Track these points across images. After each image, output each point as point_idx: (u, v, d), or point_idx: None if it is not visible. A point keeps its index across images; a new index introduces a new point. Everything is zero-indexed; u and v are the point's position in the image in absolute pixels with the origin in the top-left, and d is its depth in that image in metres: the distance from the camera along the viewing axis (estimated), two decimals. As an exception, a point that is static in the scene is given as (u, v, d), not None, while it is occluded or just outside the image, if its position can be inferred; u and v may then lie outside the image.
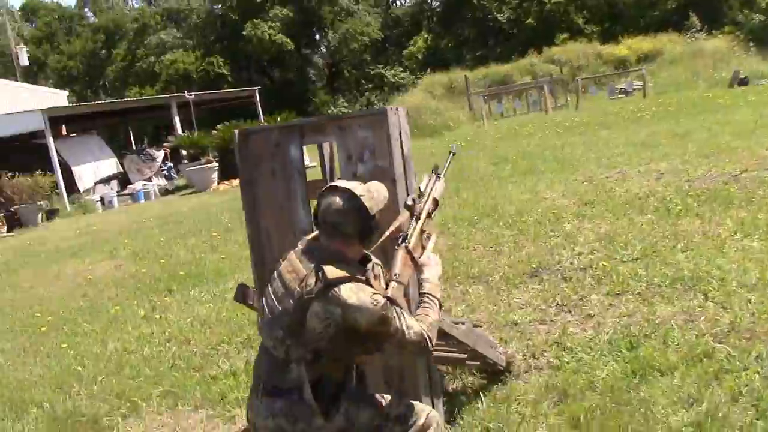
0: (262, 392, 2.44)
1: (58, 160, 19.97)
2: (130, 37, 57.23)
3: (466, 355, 3.68)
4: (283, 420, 2.40)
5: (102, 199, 20.68)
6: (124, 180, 23.19)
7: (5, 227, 17.55)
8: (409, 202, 2.73)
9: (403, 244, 2.59)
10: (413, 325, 2.44)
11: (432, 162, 3.26)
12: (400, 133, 3.20)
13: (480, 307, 5.14)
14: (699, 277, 4.91)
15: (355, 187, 2.49)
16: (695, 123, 14.12)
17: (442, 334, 3.35)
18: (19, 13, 63.39)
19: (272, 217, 3.46)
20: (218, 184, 20.85)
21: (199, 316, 6.17)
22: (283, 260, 2.54)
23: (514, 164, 12.36)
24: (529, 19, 50.01)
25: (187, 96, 24.15)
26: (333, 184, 2.54)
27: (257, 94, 29.39)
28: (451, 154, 3.17)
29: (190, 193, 20.40)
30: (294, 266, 2.45)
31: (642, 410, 3.26)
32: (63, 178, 20.07)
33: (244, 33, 50.18)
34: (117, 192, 21.57)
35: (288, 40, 51.17)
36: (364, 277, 2.40)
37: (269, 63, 55.62)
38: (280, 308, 2.42)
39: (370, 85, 57.58)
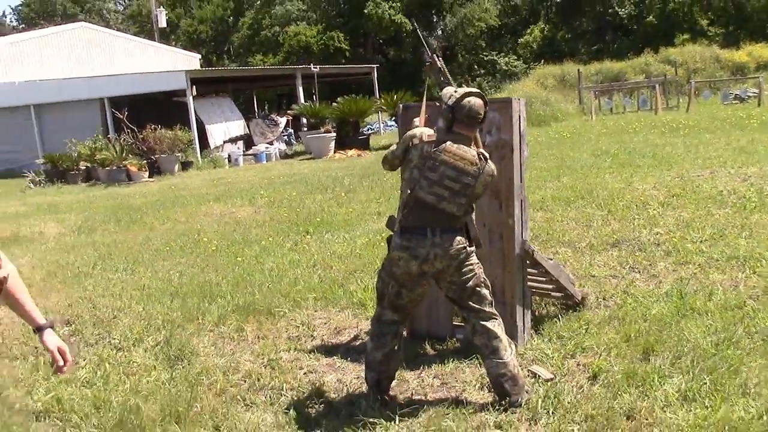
0: (441, 230, 3.72)
1: (195, 118, 22.04)
2: (257, 6, 59.93)
3: (552, 286, 4.95)
4: (457, 246, 3.72)
5: (229, 157, 22.67)
6: (248, 141, 25.16)
7: (147, 173, 19.70)
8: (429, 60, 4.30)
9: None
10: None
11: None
12: (520, 117, 4.48)
13: (566, 263, 6.36)
14: (752, 257, 5.98)
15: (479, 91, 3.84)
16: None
17: (534, 263, 4.64)
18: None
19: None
20: (334, 152, 22.46)
21: (336, 252, 7.64)
22: (439, 152, 3.74)
23: (614, 157, 13.30)
24: (651, 17, 49.52)
25: (313, 68, 25.89)
26: (468, 90, 3.81)
27: (375, 72, 30.90)
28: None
29: (309, 159, 22.11)
30: (461, 155, 3.72)
31: (677, 334, 4.45)
32: (197, 135, 22.14)
33: (366, 11, 51.83)
34: (243, 152, 23.52)
35: (407, 20, 52.49)
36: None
37: (386, 41, 57.20)
38: (459, 183, 3.69)
39: (482, 71, 58.34)
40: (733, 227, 7.07)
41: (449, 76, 4.13)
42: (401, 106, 4.85)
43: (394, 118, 25.23)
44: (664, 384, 3.83)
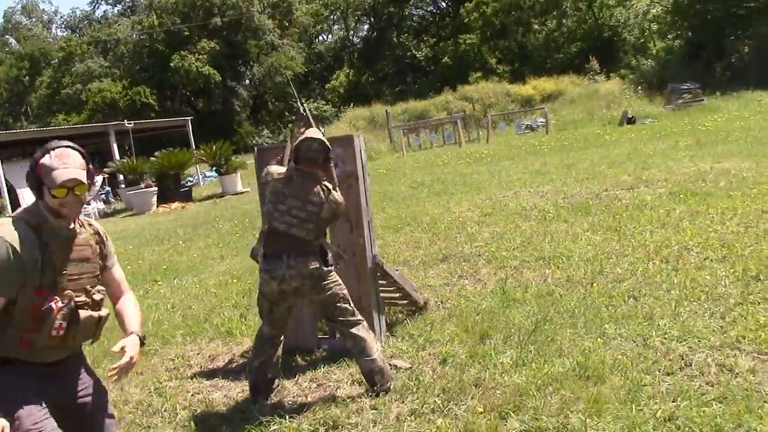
0: (295, 255, 4.28)
1: (5, 183, 21.17)
2: (55, 64, 57.75)
3: (399, 294, 5.76)
4: (310, 267, 4.27)
5: (46, 220, 21.91)
6: (63, 203, 24.38)
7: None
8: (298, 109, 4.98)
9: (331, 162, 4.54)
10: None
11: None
12: (360, 151, 5.29)
13: (405, 278, 7.22)
14: (555, 256, 7.15)
15: (322, 136, 4.43)
16: (582, 155, 16.74)
17: (384, 274, 5.43)
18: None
19: (277, 203, 5.47)
20: (157, 206, 22.35)
21: (190, 293, 8.06)
22: (285, 187, 4.36)
23: (429, 187, 14.60)
24: (446, 58, 53.15)
25: (127, 124, 25.66)
26: (308, 135, 4.41)
27: (189, 124, 30.99)
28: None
29: (131, 215, 21.85)
30: (304, 187, 4.33)
31: (504, 320, 5.40)
32: (9, 199, 21.26)
33: (171, 64, 51.55)
34: (59, 213, 22.79)
35: (214, 71, 52.78)
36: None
37: (195, 94, 57.05)
38: (305, 212, 4.28)
39: (293, 117, 59.60)
40: (538, 235, 8.30)
41: (312, 122, 4.84)
42: (257, 149, 5.50)
43: (214, 168, 25.47)
44: (500, 357, 4.72)
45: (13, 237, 2.75)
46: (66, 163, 2.85)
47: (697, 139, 16.60)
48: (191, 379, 5.33)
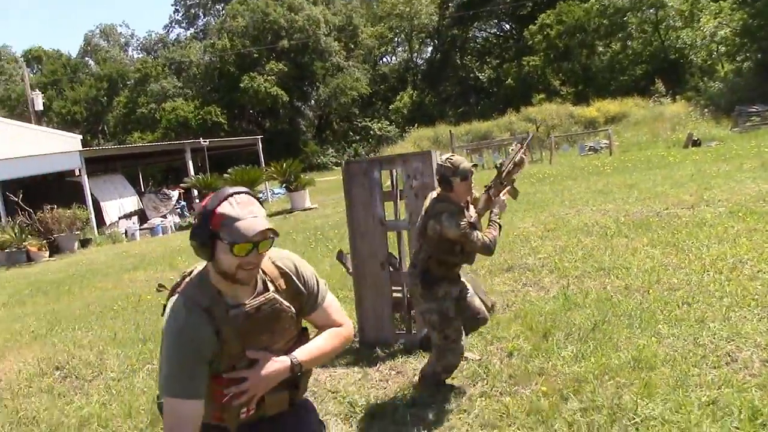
0: (410, 266, 4.74)
1: (90, 196, 22.50)
2: (131, 85, 60.30)
3: (468, 296, 6.32)
4: (412, 280, 4.67)
5: (126, 232, 23.16)
6: (142, 216, 25.69)
7: (47, 253, 19.96)
8: (497, 163, 4.97)
9: (488, 191, 4.74)
10: (482, 238, 4.50)
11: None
12: (436, 164, 5.90)
13: (472, 285, 7.78)
14: (615, 267, 7.62)
15: (443, 161, 4.61)
16: (645, 176, 17.01)
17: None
18: (23, 59, 66.36)
19: (361, 210, 6.12)
20: (230, 220, 23.36)
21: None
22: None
23: (494, 205, 15.09)
24: (509, 80, 53.55)
25: (202, 142, 26.89)
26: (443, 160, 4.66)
27: (259, 143, 32.16)
28: (530, 134, 6.02)
29: (205, 229, 22.88)
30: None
31: (566, 321, 5.92)
32: (93, 212, 22.57)
33: (241, 85, 53.32)
34: (138, 226, 24.05)
35: (282, 92, 54.31)
36: (457, 209, 4.51)
37: (262, 113, 58.76)
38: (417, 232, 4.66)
39: (357, 137, 60.80)
40: (599, 249, 8.76)
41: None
42: (344, 161, 6.16)
43: (284, 185, 26.41)
44: (561, 352, 5.25)
45: (194, 328, 2.37)
46: (253, 212, 2.40)
47: (762, 162, 16.69)
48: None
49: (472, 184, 4.66)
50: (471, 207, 4.75)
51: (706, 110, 34.63)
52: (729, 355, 4.83)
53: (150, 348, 6.90)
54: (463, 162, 4.59)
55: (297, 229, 16.71)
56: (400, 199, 6.13)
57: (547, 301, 6.72)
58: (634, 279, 7.05)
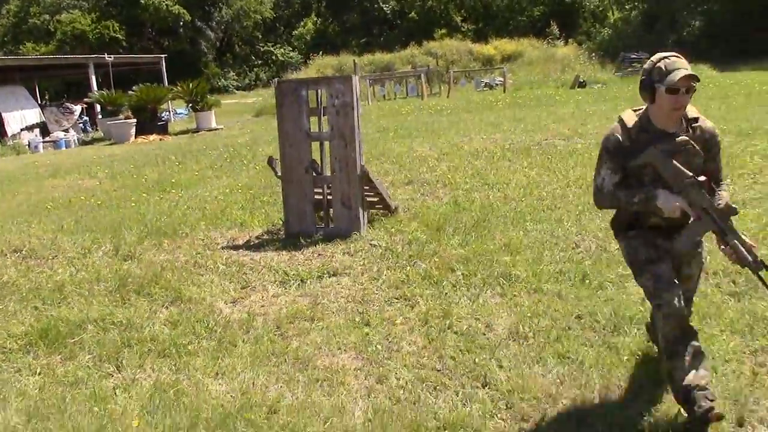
0: None
1: (-9, 107, 22.37)
2: (23, -7, 57.58)
3: (377, 199, 7.64)
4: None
5: (29, 144, 23.20)
6: (43, 129, 25.61)
7: (-50, 160, 19.95)
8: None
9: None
10: (600, 175, 3.64)
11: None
12: (355, 86, 7.10)
13: (378, 194, 9.11)
14: (497, 183, 9.11)
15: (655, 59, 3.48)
16: (532, 112, 18.73)
17: (368, 181, 7.29)
18: None
19: (290, 123, 7.27)
20: (135, 137, 23.77)
21: (201, 199, 9.82)
22: None
23: (394, 132, 16.40)
24: (412, 13, 54.52)
25: (107, 58, 26.83)
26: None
27: (163, 62, 32.13)
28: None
29: (110, 144, 23.25)
30: None
31: (455, 219, 7.34)
32: (-7, 122, 22.49)
33: (142, 0, 51.98)
34: (41, 139, 24.06)
35: (183, 11, 53.33)
36: (630, 123, 3.56)
37: (162, 32, 57.49)
38: None
39: (259, 62, 60.59)
40: (485, 169, 10.24)
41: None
42: (277, 80, 7.27)
43: (190, 105, 26.83)
44: (450, 240, 6.66)
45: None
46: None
47: (632, 103, 18.63)
48: (222, 250, 7.16)
49: (686, 103, 3.42)
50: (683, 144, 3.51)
51: (593, 54, 36.93)
52: (575, 243, 6.37)
53: (98, 236, 7.88)
54: (681, 68, 3.32)
55: (209, 146, 17.53)
56: (324, 115, 7.30)
57: (440, 206, 8.13)
58: (512, 191, 8.56)
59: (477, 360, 4.33)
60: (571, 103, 20.89)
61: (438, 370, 4.28)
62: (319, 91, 7.35)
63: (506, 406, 3.79)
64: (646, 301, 3.81)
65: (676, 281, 3.50)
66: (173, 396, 4.12)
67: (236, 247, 7.23)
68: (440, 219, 7.44)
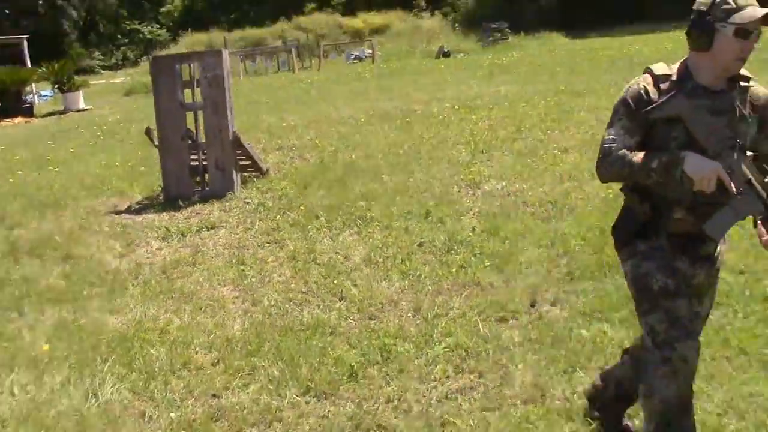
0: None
1: None
2: None
3: (249, 162, 8.38)
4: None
5: None
6: None
7: None
8: None
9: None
10: (611, 135, 2.64)
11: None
12: (226, 59, 7.79)
13: (251, 160, 9.83)
14: (360, 144, 10.02)
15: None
16: (398, 81, 19.77)
17: (239, 145, 8.02)
18: None
19: (166, 95, 7.88)
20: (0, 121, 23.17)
21: (79, 172, 10.22)
22: None
23: (266, 104, 17.06)
24: (281, -12, 54.39)
25: (-37, 40, 25.82)
26: None
27: (25, 43, 31.10)
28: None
29: (-26, 129, 22.61)
30: None
31: (321, 177, 8.19)
32: None
33: (-6, -21, 49.45)
34: None
35: (41, -10, 51.14)
36: (661, 74, 2.67)
37: (20, 11, 54.88)
38: None
39: (126, 40, 58.93)
40: (350, 134, 11.12)
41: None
42: (152, 57, 7.85)
43: (57, 86, 26.29)
44: (316, 194, 7.52)
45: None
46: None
47: (490, 71, 20.07)
48: (105, 216, 7.73)
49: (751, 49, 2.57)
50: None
51: (457, 25, 38.48)
52: (424, 189, 7.37)
53: None
54: (754, 4, 2.55)
55: (80, 126, 17.57)
56: (197, 87, 7.96)
57: (307, 166, 8.98)
58: (372, 151, 9.50)
59: (335, 282, 5.23)
60: (434, 73, 22.09)
61: (303, 292, 5.15)
62: (192, 65, 8.00)
63: (357, 310, 4.71)
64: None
65: (696, 327, 2.72)
66: (75, 329, 4.80)
67: (119, 212, 7.81)
68: (307, 177, 8.28)
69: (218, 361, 4.17)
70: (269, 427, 3.47)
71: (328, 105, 15.37)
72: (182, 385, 3.91)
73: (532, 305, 4.52)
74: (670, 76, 2.66)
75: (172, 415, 3.60)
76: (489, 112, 11.71)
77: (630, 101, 2.64)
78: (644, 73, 2.73)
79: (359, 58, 33.63)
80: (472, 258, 5.34)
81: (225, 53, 7.83)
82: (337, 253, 5.86)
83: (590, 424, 3.18)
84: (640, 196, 2.71)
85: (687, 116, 2.55)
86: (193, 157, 8.18)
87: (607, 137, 2.65)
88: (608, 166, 2.63)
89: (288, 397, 3.69)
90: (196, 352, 4.28)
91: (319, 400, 3.67)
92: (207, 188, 8.11)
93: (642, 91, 2.63)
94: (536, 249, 5.46)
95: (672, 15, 34.16)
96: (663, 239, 2.70)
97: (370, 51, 32.76)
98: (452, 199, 6.90)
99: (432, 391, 3.64)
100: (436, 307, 4.59)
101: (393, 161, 8.76)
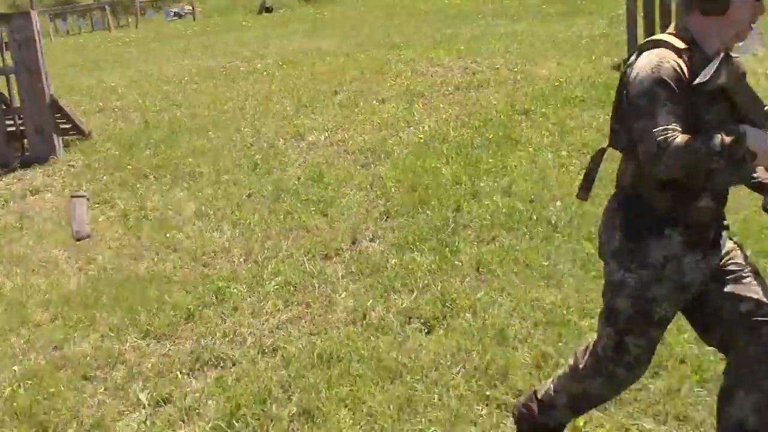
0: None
1: None
2: None
3: (70, 125, 8.25)
4: (602, 226, 2.46)
5: None
6: None
7: None
8: None
9: None
10: (659, 125, 2.13)
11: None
12: (36, 22, 7.59)
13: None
14: (186, 103, 10.06)
15: None
16: (221, 38, 19.55)
17: (58, 109, 7.88)
18: None
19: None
20: None
21: None
22: None
23: (83, 66, 16.43)
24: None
25: None
26: None
27: None
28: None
29: None
30: None
31: (146, 137, 8.22)
32: None
33: None
34: None
35: None
36: (679, 46, 2.25)
37: None
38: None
39: None
40: (174, 93, 11.08)
41: None
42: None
43: None
44: (141, 153, 7.57)
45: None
46: None
47: (312, 25, 20.32)
48: None
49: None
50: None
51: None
52: (250, 144, 7.64)
53: None
54: None
55: None
56: (6, 50, 7.70)
57: (132, 127, 8.95)
58: (198, 109, 9.59)
59: (168, 235, 5.44)
60: (258, 28, 22.01)
61: (137, 248, 5.32)
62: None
63: (191, 260, 4.98)
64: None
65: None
66: None
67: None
68: (132, 138, 8.29)
69: (56, 316, 4.30)
70: (113, 368, 3.71)
71: (149, 64, 15.07)
72: (22, 341, 4.04)
73: (353, 242, 4.98)
74: (684, 47, 2.27)
75: (15, 368, 3.75)
76: (312, 66, 12.03)
77: (670, 82, 2.17)
78: (655, 47, 2.28)
79: (179, 15, 32.65)
80: (299, 204, 5.71)
81: (34, 14, 7.62)
82: (168, 208, 6.04)
83: (399, 335, 3.70)
84: (659, 183, 2.27)
85: (734, 85, 2.22)
86: (9, 122, 7.94)
87: (655, 129, 2.12)
88: (670, 161, 2.11)
89: (129, 342, 3.94)
90: (33, 311, 4.39)
91: (159, 341, 3.94)
92: (27, 154, 7.92)
93: (677, 68, 2.20)
94: (357, 192, 5.93)
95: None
96: (677, 234, 2.31)
97: (191, 7, 31.88)
98: (278, 151, 7.23)
99: (264, 324, 4.01)
100: (265, 251, 4.94)
101: (219, 118, 8.93)
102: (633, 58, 2.33)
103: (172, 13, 32.90)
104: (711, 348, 2.68)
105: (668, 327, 2.51)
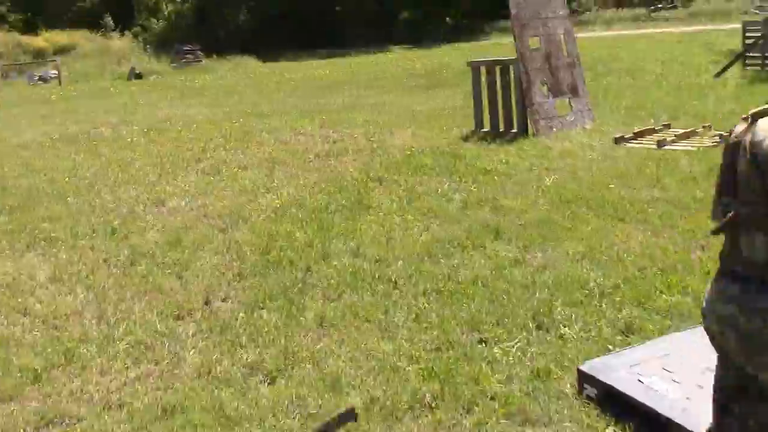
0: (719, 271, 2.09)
1: None
2: None
3: None
4: (736, 309, 1.98)
5: None
6: None
7: None
8: None
9: None
10: None
11: None
12: None
13: None
14: (45, 168, 9.96)
15: None
16: (86, 104, 19.42)
17: None
18: None
19: None
20: None
21: None
22: None
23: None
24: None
25: None
26: None
27: None
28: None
29: None
30: None
31: (0, 204, 8.13)
32: None
33: None
34: None
35: None
36: None
37: None
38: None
39: None
40: (34, 158, 10.93)
41: None
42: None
43: None
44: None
45: None
46: None
47: (182, 93, 20.49)
48: None
49: None
50: None
51: (149, 46, 38.11)
52: (110, 210, 7.70)
53: None
54: None
55: None
56: None
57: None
58: (57, 175, 9.54)
59: (20, 300, 5.44)
60: (126, 95, 21.95)
61: (-13, 313, 5.30)
62: None
63: (42, 323, 5.01)
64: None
65: None
66: None
67: None
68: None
69: None
70: (-45, 431, 3.73)
71: (7, 129, 14.76)
72: None
73: (206, 303, 5.18)
74: None
75: None
76: (178, 133, 12.21)
77: None
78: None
79: (44, 79, 31.93)
80: (155, 268, 5.86)
81: None
82: (20, 273, 6.03)
83: (243, 386, 3.94)
84: None
85: None
86: None
87: None
88: None
89: (-29, 406, 3.96)
90: None
91: (4, 403, 3.98)
92: None
93: None
94: (213, 255, 6.14)
95: (364, 39, 37.59)
96: None
97: (56, 72, 31.27)
98: (138, 217, 7.34)
99: (112, 382, 4.13)
100: (118, 313, 5.06)
101: (79, 184, 8.93)
102: (741, 127, 2.03)
103: (36, 78, 32.13)
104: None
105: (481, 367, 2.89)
